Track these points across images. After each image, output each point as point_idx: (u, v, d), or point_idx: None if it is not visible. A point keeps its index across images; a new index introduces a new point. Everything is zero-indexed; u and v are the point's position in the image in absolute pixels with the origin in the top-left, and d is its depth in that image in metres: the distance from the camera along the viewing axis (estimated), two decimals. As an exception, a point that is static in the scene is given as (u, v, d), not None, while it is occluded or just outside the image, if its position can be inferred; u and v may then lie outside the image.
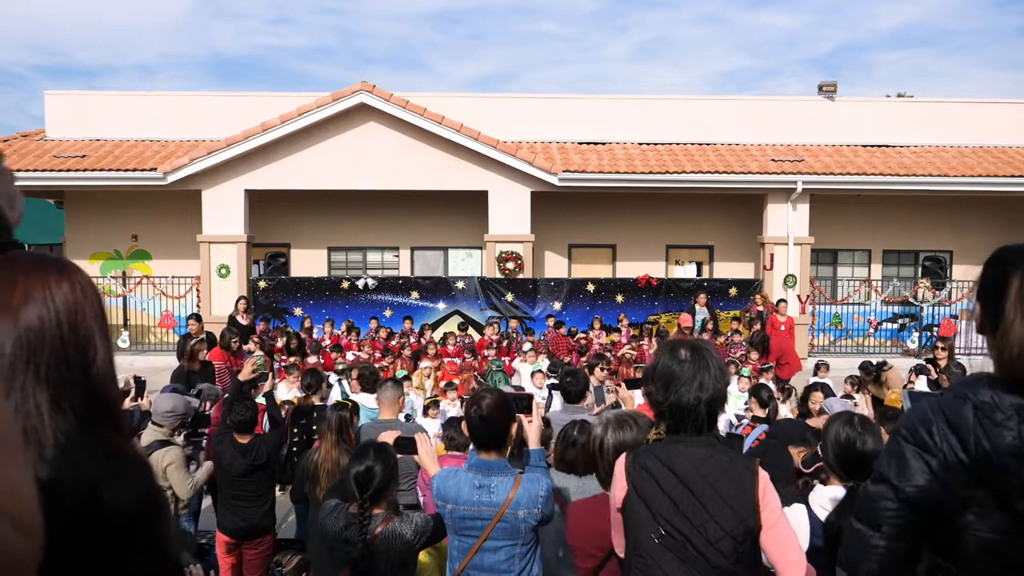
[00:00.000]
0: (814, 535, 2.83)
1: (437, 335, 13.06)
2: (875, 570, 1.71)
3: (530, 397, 3.35)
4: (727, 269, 16.56)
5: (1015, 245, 1.72)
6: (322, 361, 10.75)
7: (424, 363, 11.14)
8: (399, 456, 3.42)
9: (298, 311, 14.53)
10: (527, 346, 11.50)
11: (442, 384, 10.71)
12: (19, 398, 1.11)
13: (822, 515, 2.88)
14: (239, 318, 12.34)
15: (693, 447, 2.26)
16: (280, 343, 11.25)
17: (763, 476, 2.25)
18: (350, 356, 11.46)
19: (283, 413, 6.52)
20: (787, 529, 2.25)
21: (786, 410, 8.14)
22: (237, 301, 12.77)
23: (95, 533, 1.11)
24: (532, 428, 3.22)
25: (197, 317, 10.40)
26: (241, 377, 5.56)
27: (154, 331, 15.85)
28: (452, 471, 3.07)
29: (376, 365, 9.41)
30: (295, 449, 6.58)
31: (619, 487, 2.33)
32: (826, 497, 2.92)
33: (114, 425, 1.21)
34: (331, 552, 3.38)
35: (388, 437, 3.53)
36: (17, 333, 1.13)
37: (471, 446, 3.15)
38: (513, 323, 13.79)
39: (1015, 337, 1.54)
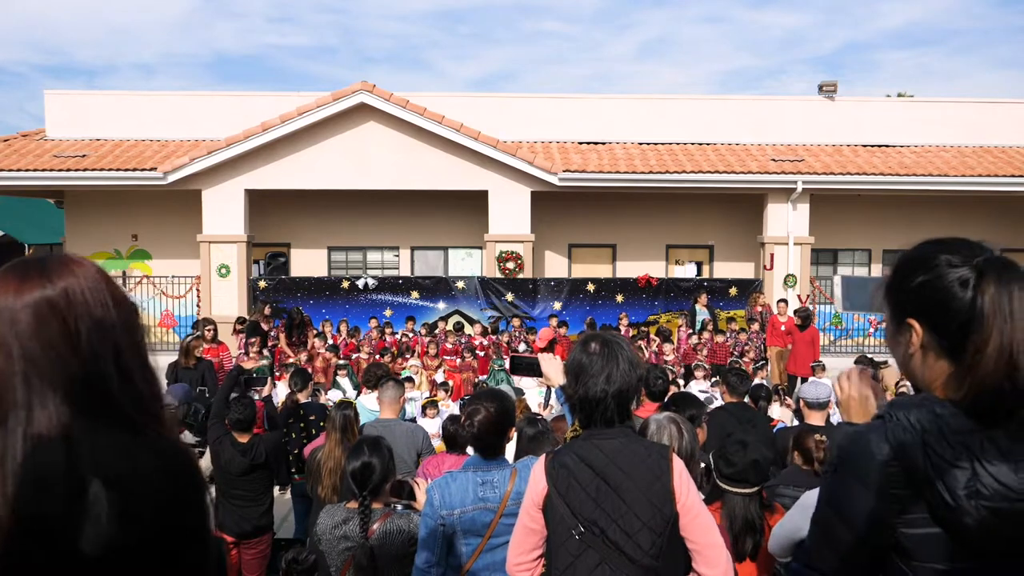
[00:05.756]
0: None
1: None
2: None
3: (537, 360, 3.05)
4: (727, 269, 16.55)
5: (942, 242, 1.52)
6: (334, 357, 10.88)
7: (412, 360, 11.13)
8: (396, 450, 3.42)
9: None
10: (522, 347, 11.52)
11: (437, 375, 10.71)
12: (28, 400, 1.10)
13: None
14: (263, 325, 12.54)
15: (607, 440, 2.28)
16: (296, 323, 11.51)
17: (678, 463, 2.28)
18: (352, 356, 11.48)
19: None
20: (707, 516, 2.28)
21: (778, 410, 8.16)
22: (263, 307, 13.46)
23: (132, 526, 1.10)
24: (552, 368, 2.92)
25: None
26: (247, 365, 5.57)
27: (154, 331, 15.84)
28: (449, 477, 2.95)
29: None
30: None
31: (539, 487, 2.32)
32: None
33: (141, 418, 1.18)
34: (327, 549, 3.38)
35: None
36: (16, 331, 1.12)
37: (468, 447, 3.13)
38: (515, 322, 13.77)
39: (993, 349, 1.30)
